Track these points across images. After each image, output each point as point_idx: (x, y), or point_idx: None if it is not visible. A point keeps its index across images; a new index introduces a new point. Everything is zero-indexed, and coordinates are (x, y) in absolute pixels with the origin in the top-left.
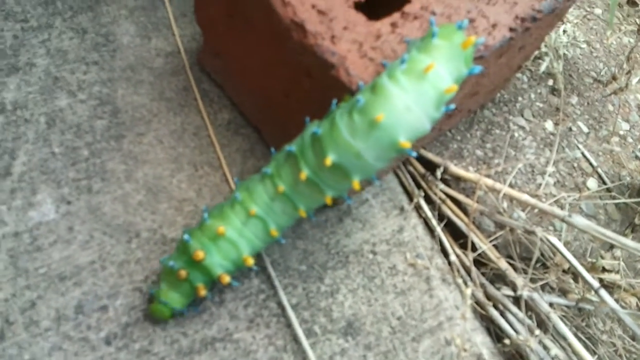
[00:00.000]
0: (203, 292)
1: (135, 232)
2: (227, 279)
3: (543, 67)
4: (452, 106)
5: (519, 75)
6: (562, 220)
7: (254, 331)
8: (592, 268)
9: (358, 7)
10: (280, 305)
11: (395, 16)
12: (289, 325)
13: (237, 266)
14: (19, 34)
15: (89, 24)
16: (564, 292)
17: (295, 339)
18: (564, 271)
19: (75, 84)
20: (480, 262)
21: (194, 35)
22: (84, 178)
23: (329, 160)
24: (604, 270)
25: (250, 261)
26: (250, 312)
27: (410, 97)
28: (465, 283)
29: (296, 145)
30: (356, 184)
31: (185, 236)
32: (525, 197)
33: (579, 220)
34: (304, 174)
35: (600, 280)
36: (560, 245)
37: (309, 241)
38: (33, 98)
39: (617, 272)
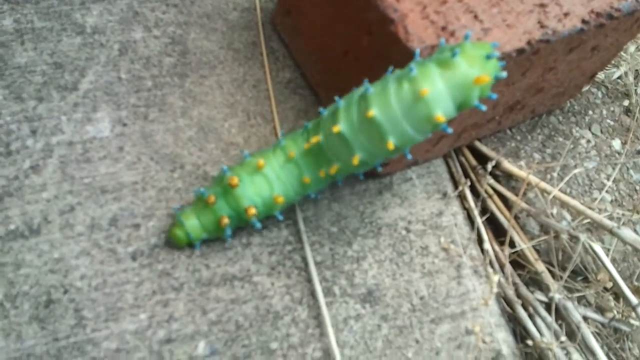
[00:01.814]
0: (225, 220)
1: (180, 164)
2: (252, 210)
3: (616, 75)
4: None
5: (593, 89)
6: (610, 231)
7: (274, 278)
8: (636, 290)
9: None
10: (304, 259)
11: None
12: (309, 280)
13: (266, 206)
14: None
15: None
16: (600, 309)
17: (313, 294)
18: (605, 289)
19: (152, 21)
20: (518, 263)
21: None
22: (143, 106)
23: (372, 113)
24: None
25: (280, 199)
26: (274, 260)
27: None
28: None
29: (344, 101)
30: (390, 144)
31: (224, 167)
32: (575, 202)
33: (628, 233)
34: (338, 127)
35: None
36: (603, 256)
37: (345, 206)
38: (112, 26)
39: None
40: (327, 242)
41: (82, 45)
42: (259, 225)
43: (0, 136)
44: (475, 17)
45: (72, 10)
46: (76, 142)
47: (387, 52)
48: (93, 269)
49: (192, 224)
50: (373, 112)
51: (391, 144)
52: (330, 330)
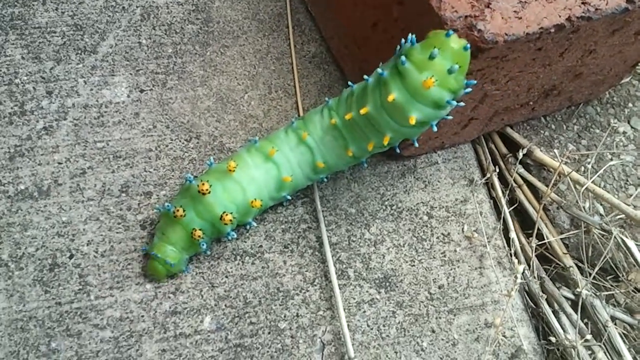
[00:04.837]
0: (198, 233)
1: (197, 133)
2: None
3: None
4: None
5: (634, 81)
6: None
7: (286, 256)
8: None
9: None
10: (319, 239)
11: None
12: (323, 261)
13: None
14: None
15: None
16: (630, 310)
17: (326, 275)
18: (635, 289)
19: None
20: (544, 257)
21: None
22: (162, 72)
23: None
24: None
25: (289, 178)
26: (287, 238)
27: None
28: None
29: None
30: (412, 119)
31: (188, 175)
32: (609, 196)
33: None
34: (367, 109)
35: None
36: (637, 253)
37: (364, 187)
38: None
39: None
40: (344, 223)
41: (104, 8)
42: (233, 235)
43: (15, 95)
44: None
45: None
46: (92, 105)
47: (418, 23)
48: (101, 235)
49: (166, 251)
50: (394, 95)
51: (412, 118)
52: (342, 314)
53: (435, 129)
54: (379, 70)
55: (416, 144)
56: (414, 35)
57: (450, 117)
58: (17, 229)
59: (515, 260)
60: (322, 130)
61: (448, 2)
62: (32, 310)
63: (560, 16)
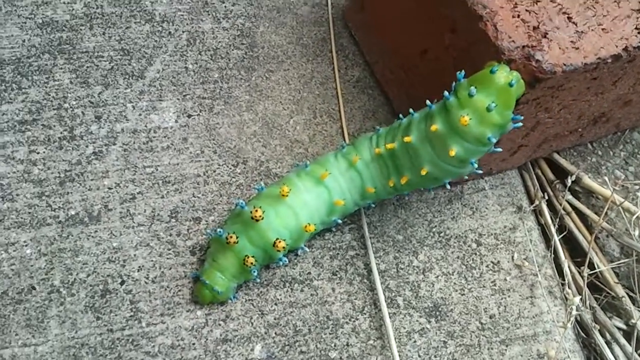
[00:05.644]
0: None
1: (244, 158)
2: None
3: None
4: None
5: None
6: None
7: (335, 284)
8: None
9: None
10: (367, 266)
11: None
12: (372, 288)
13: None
14: None
15: None
16: None
17: (375, 304)
18: None
19: (222, 12)
20: (594, 286)
21: None
22: (208, 97)
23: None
24: None
25: (341, 202)
26: (335, 265)
27: None
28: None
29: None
30: (452, 151)
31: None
32: None
33: None
34: (410, 138)
35: None
36: None
37: (411, 213)
38: (180, 15)
39: None
40: (392, 250)
41: (151, 33)
42: (285, 261)
43: (65, 120)
44: (569, 18)
45: None
46: (140, 130)
47: (472, 51)
48: (151, 261)
49: (215, 279)
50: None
51: (453, 151)
52: (393, 343)
53: (475, 166)
54: (428, 103)
55: (448, 187)
56: (462, 72)
57: (499, 150)
58: (68, 254)
59: (569, 291)
60: (371, 156)
61: (505, 32)
62: (84, 337)
63: (617, 46)
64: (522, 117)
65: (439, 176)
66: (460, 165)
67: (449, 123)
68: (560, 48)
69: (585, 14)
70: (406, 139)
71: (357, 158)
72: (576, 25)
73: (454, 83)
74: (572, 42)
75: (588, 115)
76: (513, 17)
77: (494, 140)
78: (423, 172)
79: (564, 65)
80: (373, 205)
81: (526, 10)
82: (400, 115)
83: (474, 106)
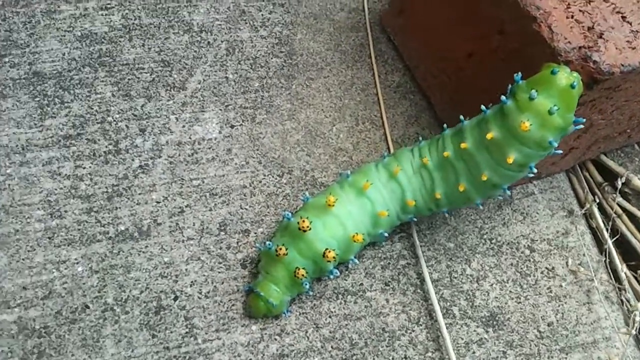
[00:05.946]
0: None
1: (289, 168)
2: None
3: None
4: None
5: None
6: None
7: (388, 294)
8: None
9: None
10: (419, 276)
11: None
12: (426, 299)
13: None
14: None
15: None
16: None
17: (431, 314)
18: None
19: (259, 20)
20: None
21: None
22: (250, 107)
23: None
24: None
25: (384, 212)
26: (387, 275)
27: None
28: (630, 305)
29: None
30: (510, 158)
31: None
32: None
33: None
34: (466, 144)
35: None
36: None
37: (461, 220)
38: (218, 25)
39: None
40: (444, 259)
41: (190, 44)
42: (336, 272)
43: (109, 133)
44: (624, 18)
45: (179, 7)
46: (185, 142)
47: (524, 54)
48: (203, 275)
49: (270, 291)
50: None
51: (512, 158)
52: (452, 355)
53: (535, 171)
54: (483, 107)
55: (508, 192)
56: (519, 74)
57: (560, 152)
58: (120, 271)
59: (631, 296)
60: (412, 168)
61: (560, 33)
62: (141, 356)
63: None
64: (585, 120)
65: (498, 182)
66: (520, 170)
67: (506, 128)
68: (616, 48)
69: (639, 13)
70: (462, 145)
71: (398, 169)
72: (631, 24)
73: (509, 86)
74: (628, 41)
75: (638, 116)
76: (567, 17)
77: (556, 144)
78: (484, 178)
79: (622, 65)
80: (415, 220)
81: (580, 11)
82: (445, 126)
83: (535, 110)
